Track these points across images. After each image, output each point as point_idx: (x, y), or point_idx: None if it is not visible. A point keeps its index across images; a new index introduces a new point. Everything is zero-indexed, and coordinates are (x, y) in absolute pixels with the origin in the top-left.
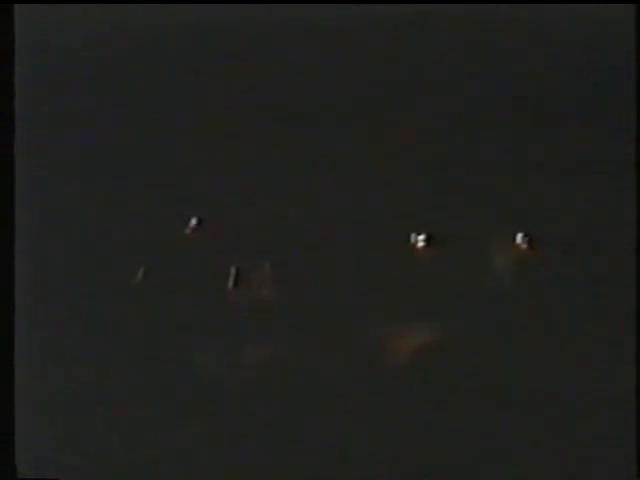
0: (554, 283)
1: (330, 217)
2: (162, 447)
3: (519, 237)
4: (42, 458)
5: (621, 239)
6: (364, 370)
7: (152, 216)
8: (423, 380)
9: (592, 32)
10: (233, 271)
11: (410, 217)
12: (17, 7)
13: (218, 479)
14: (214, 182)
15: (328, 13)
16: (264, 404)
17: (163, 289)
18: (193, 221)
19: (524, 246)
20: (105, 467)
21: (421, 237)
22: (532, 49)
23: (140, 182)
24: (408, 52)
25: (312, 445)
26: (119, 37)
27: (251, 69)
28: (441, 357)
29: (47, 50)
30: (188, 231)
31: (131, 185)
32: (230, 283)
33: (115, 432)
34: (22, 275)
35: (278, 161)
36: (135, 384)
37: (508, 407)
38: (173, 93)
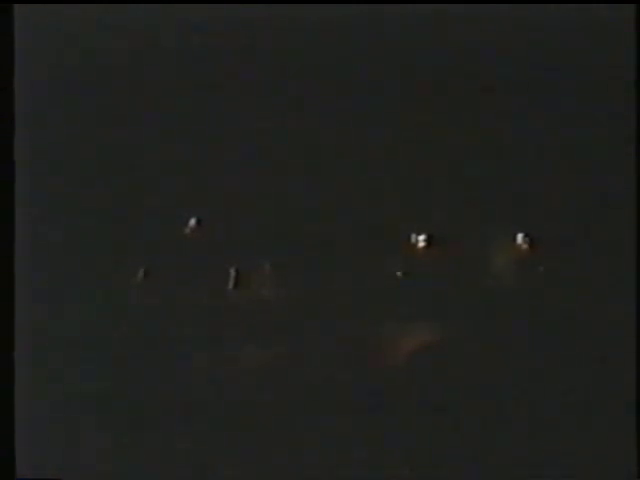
0: (554, 283)
1: (330, 216)
2: (162, 448)
3: (519, 237)
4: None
5: (621, 238)
6: (364, 370)
7: (152, 216)
8: (422, 380)
9: (592, 32)
10: (233, 272)
11: (410, 217)
12: (17, 7)
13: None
14: (214, 182)
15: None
16: (264, 406)
17: (163, 289)
18: (192, 221)
19: (525, 246)
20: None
21: (422, 237)
22: (531, 49)
23: (140, 182)
24: (407, 52)
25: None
26: (119, 37)
27: (252, 69)
28: (440, 357)
29: (47, 50)
30: (188, 231)
31: (131, 185)
32: (230, 284)
33: (114, 434)
34: (22, 274)
35: (278, 161)
36: (135, 385)
37: (508, 407)
38: (173, 93)
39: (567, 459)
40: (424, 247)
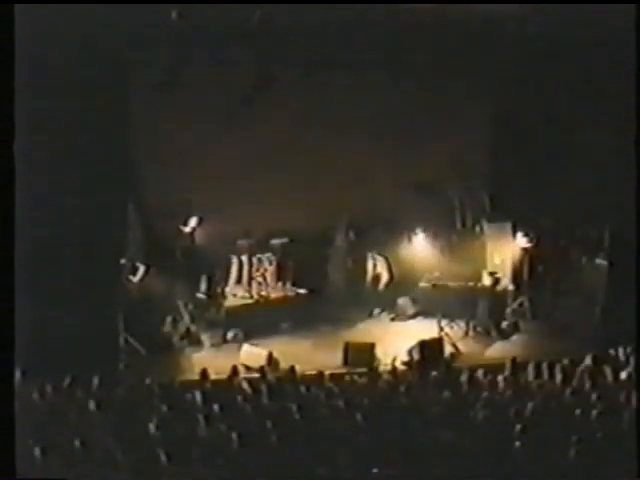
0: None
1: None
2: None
3: (519, 235)
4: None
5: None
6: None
7: (152, 215)
8: (420, 375)
9: (592, 32)
10: (235, 268)
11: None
12: (17, 7)
13: None
14: (215, 180)
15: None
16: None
17: (163, 286)
18: (193, 221)
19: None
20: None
21: (421, 232)
22: (532, 49)
23: (141, 180)
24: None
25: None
26: (119, 37)
27: (250, 69)
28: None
29: (47, 50)
30: (188, 230)
31: (132, 183)
32: (232, 280)
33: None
34: (22, 273)
35: (276, 159)
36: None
37: (508, 407)
38: (173, 91)
39: (567, 459)
40: (424, 241)
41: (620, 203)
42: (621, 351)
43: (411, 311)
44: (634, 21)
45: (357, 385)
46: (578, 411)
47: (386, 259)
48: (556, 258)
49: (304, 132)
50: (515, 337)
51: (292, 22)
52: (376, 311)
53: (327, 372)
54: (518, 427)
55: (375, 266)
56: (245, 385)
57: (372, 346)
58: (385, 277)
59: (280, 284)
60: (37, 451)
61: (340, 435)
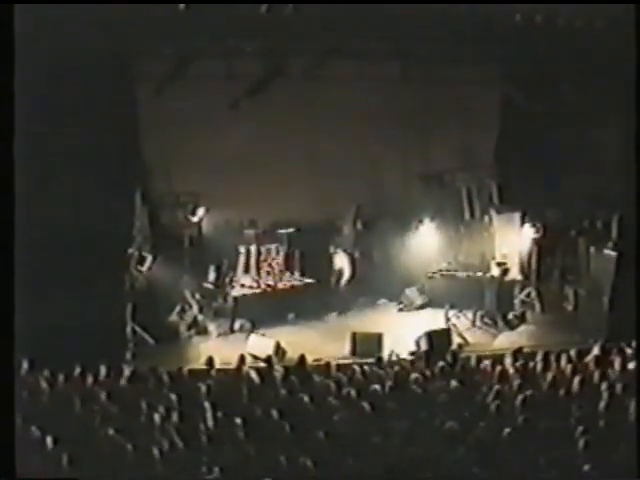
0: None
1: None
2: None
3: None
4: None
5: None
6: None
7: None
8: (427, 365)
9: (592, 32)
10: (242, 258)
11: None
12: (17, 7)
13: None
14: (222, 170)
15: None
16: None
17: (171, 276)
18: (201, 211)
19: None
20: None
21: (429, 222)
22: (533, 49)
23: (148, 170)
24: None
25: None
26: (119, 37)
27: (257, 59)
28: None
29: (47, 50)
30: (196, 219)
31: (139, 173)
32: (239, 270)
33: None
34: (29, 264)
35: (284, 149)
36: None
37: (515, 398)
38: (173, 88)
39: (567, 459)
40: (432, 231)
41: (628, 194)
42: (629, 343)
43: (419, 301)
44: (634, 21)
45: (364, 375)
46: (584, 402)
47: (350, 255)
48: (564, 249)
49: (312, 122)
50: (523, 327)
51: (298, 12)
52: (383, 301)
53: (334, 362)
54: (525, 417)
55: (336, 262)
56: (253, 374)
57: (379, 336)
58: (347, 274)
59: (287, 274)
60: (48, 440)
61: (348, 425)
